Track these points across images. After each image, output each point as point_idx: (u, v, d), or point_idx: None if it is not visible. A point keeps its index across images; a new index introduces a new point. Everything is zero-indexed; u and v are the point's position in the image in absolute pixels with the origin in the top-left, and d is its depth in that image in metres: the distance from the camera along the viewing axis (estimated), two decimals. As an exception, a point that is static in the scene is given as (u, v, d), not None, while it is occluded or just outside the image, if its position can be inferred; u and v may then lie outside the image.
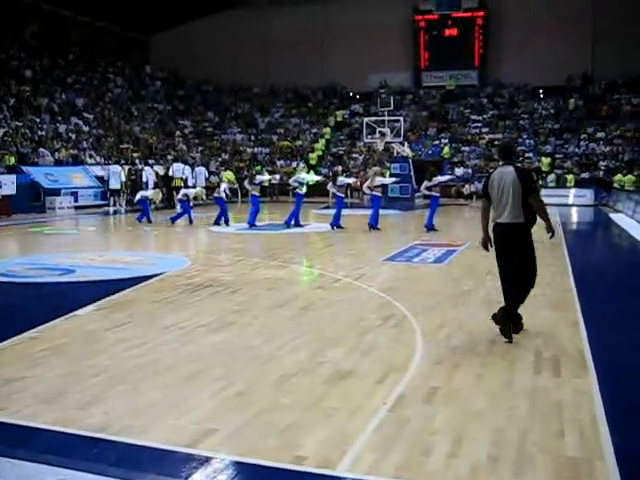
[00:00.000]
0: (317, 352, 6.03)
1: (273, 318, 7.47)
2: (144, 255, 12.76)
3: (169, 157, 31.70)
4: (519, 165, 7.20)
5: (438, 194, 17.31)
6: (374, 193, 17.55)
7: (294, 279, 10.09)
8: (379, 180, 17.69)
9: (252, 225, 18.29)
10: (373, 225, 17.21)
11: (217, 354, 6.00)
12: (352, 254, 13.16)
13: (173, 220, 19.38)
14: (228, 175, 25.03)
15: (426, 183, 17.26)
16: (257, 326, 7.10)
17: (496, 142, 34.54)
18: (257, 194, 18.45)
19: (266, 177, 19.32)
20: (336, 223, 17.84)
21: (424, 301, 8.35)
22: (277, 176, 33.61)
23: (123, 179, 20.20)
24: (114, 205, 25.88)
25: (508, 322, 6.43)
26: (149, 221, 19.39)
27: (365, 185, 18.17)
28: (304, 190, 18.55)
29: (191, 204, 19.63)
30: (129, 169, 27.00)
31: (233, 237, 16.42)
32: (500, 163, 6.71)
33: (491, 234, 6.62)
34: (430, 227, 16.98)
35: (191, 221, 19.11)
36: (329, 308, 7.98)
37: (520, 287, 6.47)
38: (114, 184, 25.90)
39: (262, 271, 10.79)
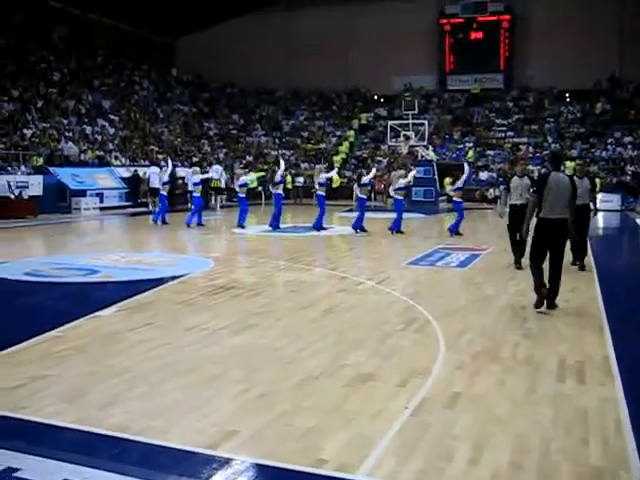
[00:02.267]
0: (339, 355, 6.00)
1: (295, 321, 7.43)
2: (169, 256, 12.77)
3: (166, 159, 31.26)
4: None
5: (460, 199, 17.08)
6: (396, 196, 17.45)
7: (317, 282, 10.01)
8: (402, 182, 17.54)
9: (275, 227, 18.29)
10: (395, 229, 17.07)
11: (239, 356, 5.98)
12: (375, 257, 13.15)
13: (190, 222, 19.27)
14: (255, 175, 25.15)
15: (450, 188, 17.19)
16: (279, 328, 7.07)
17: (521, 146, 34.27)
18: (281, 192, 18.39)
19: (249, 177, 19.60)
20: (359, 226, 17.78)
21: (447, 305, 8.29)
22: (301, 179, 33.91)
23: (166, 179, 20.15)
24: (152, 205, 25.66)
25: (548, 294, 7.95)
26: (199, 223, 19.16)
27: (392, 188, 17.99)
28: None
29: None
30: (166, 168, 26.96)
31: (256, 239, 16.46)
32: (549, 169, 8.01)
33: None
34: (453, 231, 16.80)
35: (199, 223, 18.94)
36: (352, 311, 7.95)
37: (560, 267, 7.96)
38: (154, 183, 25.66)
39: (285, 273, 10.77)
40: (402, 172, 18.68)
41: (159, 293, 8.95)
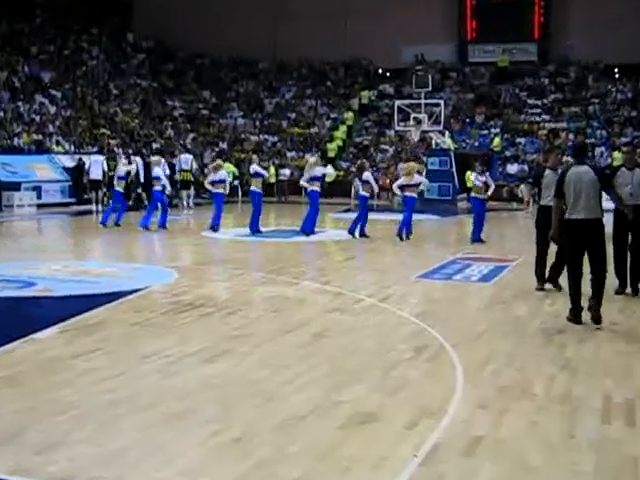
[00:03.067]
0: (332, 389, 6.02)
1: (279, 346, 7.49)
2: (122, 266, 12.86)
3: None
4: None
5: (481, 196, 17.12)
6: (408, 194, 17.51)
7: (305, 299, 10.11)
8: (416, 179, 17.59)
9: (255, 231, 18.36)
10: (404, 233, 17.17)
11: (209, 390, 6.00)
12: (378, 269, 13.26)
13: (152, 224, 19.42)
14: (228, 167, 25.19)
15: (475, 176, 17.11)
16: (259, 356, 7.12)
17: (560, 132, 34.36)
18: (259, 191, 18.56)
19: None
20: (358, 231, 17.85)
21: (466, 329, 8.36)
22: (287, 171, 33.84)
23: (122, 174, 20.31)
24: (97, 203, 25.78)
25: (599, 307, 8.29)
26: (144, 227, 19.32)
27: (396, 184, 18.10)
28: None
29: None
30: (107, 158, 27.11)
31: (232, 245, 16.54)
32: (572, 162, 7.76)
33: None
34: (477, 239, 16.87)
35: (164, 225, 19.13)
36: (348, 335, 8.02)
37: (599, 278, 8.31)
38: (95, 174, 25.85)
39: (266, 288, 10.90)
40: (412, 165, 18.71)
41: (110, 311, 9.02)
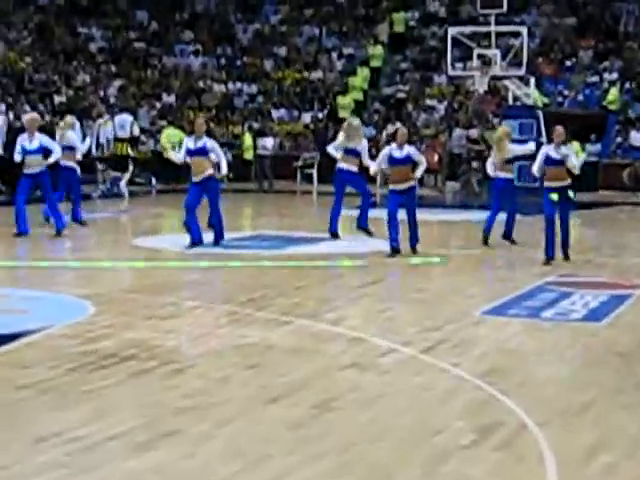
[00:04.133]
0: None
1: (257, 424, 5.90)
2: (2, 292, 10.44)
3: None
4: None
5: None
6: (501, 174, 13.70)
7: (302, 347, 8.22)
8: (512, 149, 13.78)
9: (218, 240, 14.33)
10: (509, 237, 13.87)
11: None
12: (420, 300, 10.69)
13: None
14: (170, 134, 21.69)
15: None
16: (224, 440, 5.55)
17: None
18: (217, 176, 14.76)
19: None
20: (364, 225, 14.61)
21: (563, 398, 6.71)
22: (270, 141, 25.48)
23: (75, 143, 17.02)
24: None
25: None
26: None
27: (491, 161, 14.04)
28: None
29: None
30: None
31: (180, 260, 13.48)
32: None
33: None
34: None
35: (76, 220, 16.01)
36: (370, 407, 6.35)
37: None
38: None
39: (238, 331, 8.79)
40: (504, 130, 14.73)
41: None
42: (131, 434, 5.58)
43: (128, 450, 5.32)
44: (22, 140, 14.85)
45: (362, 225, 14.71)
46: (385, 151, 13.48)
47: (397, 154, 13.20)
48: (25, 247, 15.03)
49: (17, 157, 14.88)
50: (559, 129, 12.45)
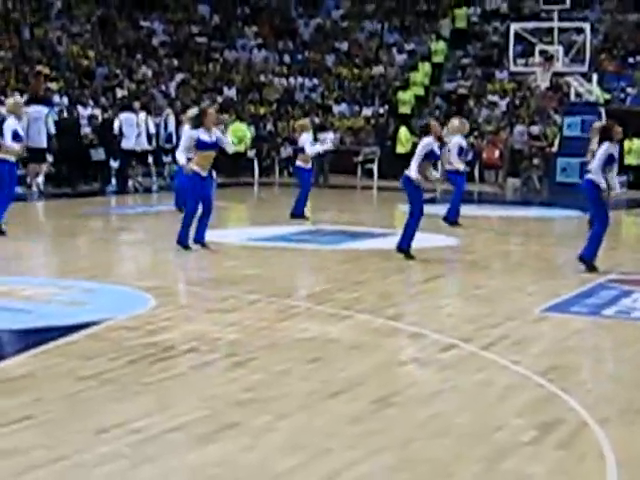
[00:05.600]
0: None
1: (317, 418, 5.88)
2: (65, 284, 10.44)
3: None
4: None
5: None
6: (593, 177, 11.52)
7: (362, 342, 8.16)
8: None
9: (299, 216, 15.28)
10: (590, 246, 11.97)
11: None
12: (480, 297, 10.58)
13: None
14: (236, 129, 21.91)
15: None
16: (285, 434, 5.53)
17: None
18: (305, 166, 15.86)
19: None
20: (453, 218, 14.96)
21: (625, 395, 6.60)
22: (330, 135, 24.40)
23: (52, 130, 17.46)
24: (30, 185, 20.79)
25: None
26: None
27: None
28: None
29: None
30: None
31: (242, 255, 13.45)
32: None
33: None
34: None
35: None
36: (430, 403, 6.31)
37: None
38: (37, 139, 20.38)
39: (299, 325, 8.82)
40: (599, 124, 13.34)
41: (45, 359, 7.30)
42: (191, 426, 5.61)
43: (188, 442, 5.36)
44: None
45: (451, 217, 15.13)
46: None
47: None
48: (86, 237, 15.22)
49: None
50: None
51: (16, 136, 13.91)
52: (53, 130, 19.89)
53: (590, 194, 11.58)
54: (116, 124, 21.48)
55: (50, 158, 20.65)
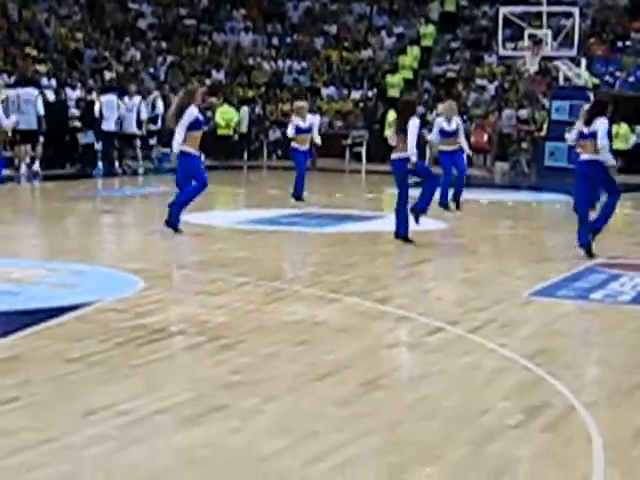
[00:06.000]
0: (391, 474, 4.65)
1: (304, 401, 5.82)
2: (54, 266, 10.34)
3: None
4: None
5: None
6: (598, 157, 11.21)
7: (350, 325, 8.09)
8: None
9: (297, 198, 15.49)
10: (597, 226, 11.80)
11: (190, 469, 4.66)
12: (468, 280, 10.54)
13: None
14: (224, 112, 21.70)
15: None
16: (272, 416, 5.48)
17: None
18: (300, 147, 15.94)
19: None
20: (445, 201, 14.94)
21: (612, 379, 6.62)
22: (316, 118, 23.25)
23: (41, 111, 17.51)
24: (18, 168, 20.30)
25: None
26: None
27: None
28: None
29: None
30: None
31: (230, 236, 13.48)
32: None
33: None
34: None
35: None
36: (418, 386, 6.31)
37: None
38: (29, 122, 20.18)
39: (287, 307, 8.72)
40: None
41: (33, 340, 7.26)
42: (179, 408, 5.58)
43: (176, 424, 5.33)
44: None
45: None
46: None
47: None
48: (74, 220, 15.24)
49: None
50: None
51: None
52: (42, 112, 19.88)
53: (600, 176, 11.26)
54: (96, 107, 21.46)
55: (42, 139, 20.58)
